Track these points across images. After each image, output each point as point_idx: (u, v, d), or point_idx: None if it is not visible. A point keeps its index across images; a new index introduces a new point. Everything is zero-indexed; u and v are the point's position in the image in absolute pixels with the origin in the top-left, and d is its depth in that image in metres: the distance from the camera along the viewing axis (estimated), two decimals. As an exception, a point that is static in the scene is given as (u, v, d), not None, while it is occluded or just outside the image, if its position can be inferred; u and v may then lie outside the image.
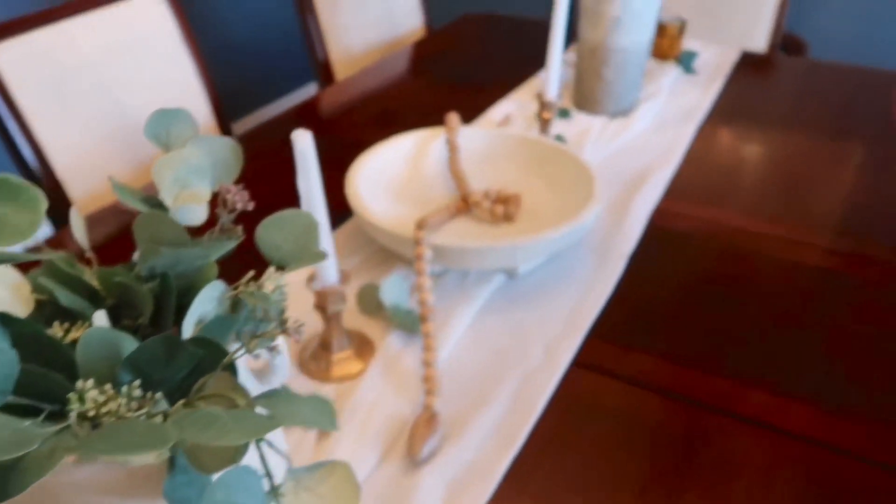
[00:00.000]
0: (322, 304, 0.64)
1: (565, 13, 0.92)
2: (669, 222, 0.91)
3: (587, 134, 1.11)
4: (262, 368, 0.48)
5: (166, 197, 0.49)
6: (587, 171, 0.83)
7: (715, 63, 1.42)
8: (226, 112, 1.31)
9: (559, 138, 1.02)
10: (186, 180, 0.50)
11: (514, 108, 1.20)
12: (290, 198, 0.57)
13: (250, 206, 0.48)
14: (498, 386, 0.65)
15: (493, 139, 0.93)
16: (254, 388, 0.47)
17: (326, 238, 0.60)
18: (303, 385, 0.66)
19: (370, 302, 0.72)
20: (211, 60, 1.34)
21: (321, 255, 0.45)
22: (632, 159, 1.05)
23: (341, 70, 1.54)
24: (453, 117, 0.92)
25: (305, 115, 1.22)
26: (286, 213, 0.46)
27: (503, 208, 0.81)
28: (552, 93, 0.99)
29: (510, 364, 0.68)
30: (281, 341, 0.49)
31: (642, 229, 0.88)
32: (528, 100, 1.22)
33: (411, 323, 0.69)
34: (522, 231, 0.81)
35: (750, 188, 0.99)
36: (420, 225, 0.70)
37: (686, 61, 1.38)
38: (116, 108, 1.10)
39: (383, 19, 1.65)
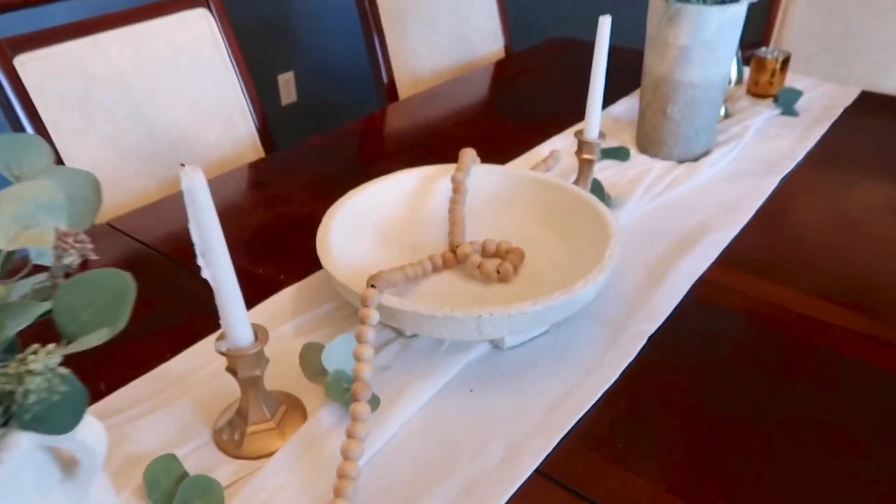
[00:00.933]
0: (232, 367, 0.54)
1: (607, 37, 0.78)
2: (714, 297, 0.74)
3: (641, 180, 0.95)
4: (68, 459, 0.39)
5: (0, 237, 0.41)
6: (607, 226, 0.69)
7: (824, 104, 1.21)
8: (282, 133, 1.26)
9: (596, 185, 0.88)
10: (32, 219, 0.42)
11: (566, 144, 1.06)
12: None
13: (92, 256, 0.40)
14: (436, 490, 0.52)
15: (507, 181, 0.81)
16: (53, 485, 0.38)
17: (231, 294, 0.50)
18: (212, 458, 0.56)
19: (312, 364, 0.62)
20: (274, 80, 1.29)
21: (116, 326, 0.35)
22: (688, 214, 0.89)
23: (405, 94, 1.46)
24: (467, 154, 0.80)
25: (342, 140, 1.15)
26: (94, 275, 0.37)
27: (497, 264, 0.68)
28: (592, 131, 0.85)
29: (459, 463, 0.55)
30: (96, 427, 0.39)
31: (676, 303, 0.72)
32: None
33: (350, 398, 0.58)
34: (514, 295, 0.68)
35: (830, 265, 0.80)
36: (373, 280, 0.59)
37: (786, 100, 1.18)
38: (145, 123, 1.07)
39: (458, 42, 1.56)
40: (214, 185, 1.01)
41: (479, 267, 0.68)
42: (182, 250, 0.82)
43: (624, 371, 0.64)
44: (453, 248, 0.70)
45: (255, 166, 1.05)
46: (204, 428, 0.58)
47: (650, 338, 0.68)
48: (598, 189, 0.86)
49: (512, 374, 0.63)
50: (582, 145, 0.86)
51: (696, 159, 1.01)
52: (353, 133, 1.17)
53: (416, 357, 0.65)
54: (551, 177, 0.79)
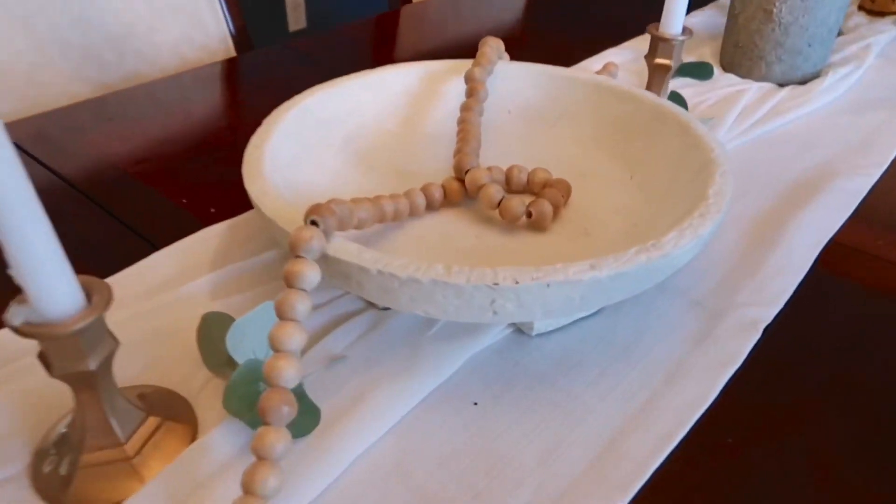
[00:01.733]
0: (44, 355, 0.30)
1: None
2: (854, 269, 0.49)
3: (731, 104, 0.69)
4: None
5: None
6: (706, 150, 0.43)
7: (962, 28, 0.92)
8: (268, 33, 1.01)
9: (675, 98, 0.62)
10: None
11: (624, 57, 0.80)
12: None
13: None
14: None
15: (548, 85, 0.55)
16: None
17: (28, 222, 0.26)
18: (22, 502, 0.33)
19: (215, 348, 0.38)
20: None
21: None
22: (801, 152, 0.63)
23: None
24: (490, 43, 0.54)
25: (335, 45, 0.89)
26: None
27: (528, 203, 0.43)
28: (673, 24, 0.59)
29: (445, 540, 0.31)
30: None
31: (800, 278, 0.47)
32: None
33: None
34: (554, 252, 0.43)
35: None
36: (314, 213, 0.34)
37: (915, 19, 0.90)
38: (74, 8, 0.82)
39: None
40: (150, 88, 0.77)
41: (499, 204, 0.43)
42: (98, 181, 0.58)
43: (727, 384, 0.39)
44: (460, 175, 0.45)
45: (211, 68, 0.80)
46: (20, 449, 0.34)
47: (766, 330, 0.43)
48: (678, 104, 0.60)
49: (542, 380, 0.39)
50: (657, 44, 0.60)
51: (803, 82, 0.74)
52: (351, 37, 0.91)
53: (388, 343, 0.40)
54: (615, 81, 0.53)
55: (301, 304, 0.32)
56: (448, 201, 0.45)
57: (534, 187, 0.47)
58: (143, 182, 0.57)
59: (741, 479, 0.34)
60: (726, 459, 0.35)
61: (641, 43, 0.83)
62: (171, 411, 0.36)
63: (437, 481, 0.33)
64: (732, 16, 0.75)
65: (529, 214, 0.43)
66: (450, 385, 0.38)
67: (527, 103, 0.55)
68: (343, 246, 0.34)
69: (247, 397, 0.34)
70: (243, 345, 0.36)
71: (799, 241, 0.50)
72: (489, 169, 0.46)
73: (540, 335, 0.42)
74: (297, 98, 0.49)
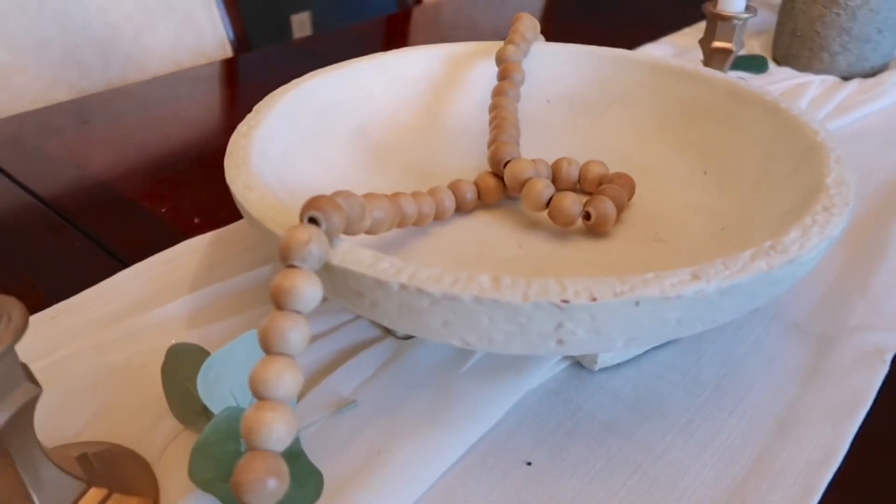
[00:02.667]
0: (-73, 406, 0.21)
1: None
2: None
3: (792, 100, 0.60)
4: None
5: None
6: (804, 133, 0.34)
7: None
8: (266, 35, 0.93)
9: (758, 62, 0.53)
10: None
11: (664, 52, 0.71)
12: None
13: None
14: None
15: (597, 66, 0.46)
16: None
17: None
18: None
19: (182, 390, 0.28)
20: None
21: None
22: (885, 151, 0.54)
23: None
24: (525, 20, 0.46)
25: (341, 44, 0.81)
26: None
27: (585, 202, 0.34)
28: (736, 2, 0.51)
29: None
30: None
31: (923, 293, 0.38)
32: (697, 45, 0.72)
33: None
34: (623, 262, 0.34)
35: None
36: (312, 207, 0.25)
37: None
38: (55, 6, 0.74)
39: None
40: (133, 90, 0.69)
41: (548, 204, 0.34)
42: (66, 190, 0.50)
43: (858, 433, 0.30)
44: (497, 170, 0.36)
45: (204, 69, 0.72)
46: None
47: (894, 360, 0.33)
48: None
49: (613, 430, 0.30)
50: (715, 25, 0.52)
51: (870, 74, 0.65)
52: (358, 36, 0.83)
53: (410, 383, 0.31)
54: (680, 60, 0.44)
55: (295, 333, 0.23)
56: (482, 201, 0.37)
57: (588, 184, 0.38)
58: (117, 190, 0.48)
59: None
60: (878, 541, 0.26)
61: (680, 39, 0.75)
62: (122, 479, 0.26)
63: (483, 577, 0.24)
64: (786, 5, 0.67)
65: (588, 216, 0.34)
66: (493, 439, 0.29)
67: (570, 90, 0.46)
68: (353, 252, 0.25)
69: (223, 461, 0.25)
70: (220, 388, 0.27)
71: (911, 250, 0.41)
72: (534, 161, 0.37)
73: (605, 370, 0.33)
74: (297, 81, 0.40)
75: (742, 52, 0.70)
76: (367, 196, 0.29)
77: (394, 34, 0.86)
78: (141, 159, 0.52)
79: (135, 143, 0.55)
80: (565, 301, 0.23)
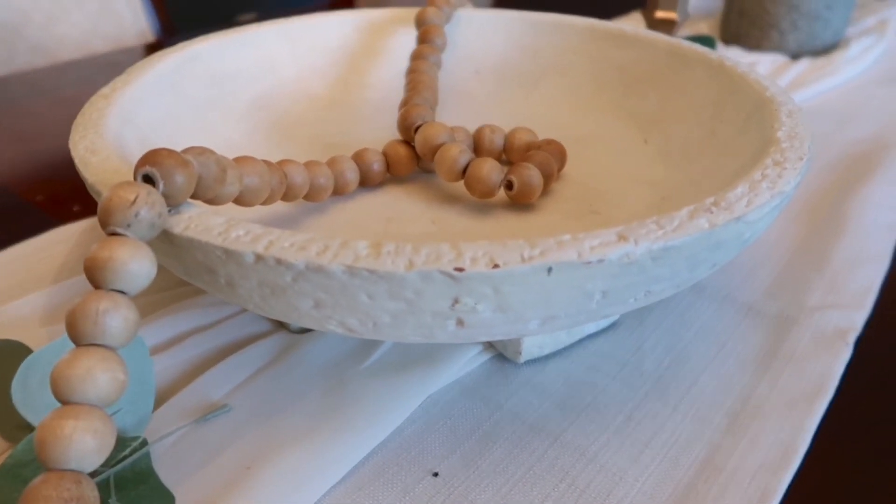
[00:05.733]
0: None
1: None
2: (955, 259, 0.36)
3: (746, 75, 0.57)
4: None
5: None
6: (762, 92, 0.30)
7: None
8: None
9: (705, 42, 0.49)
10: None
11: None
12: None
13: None
14: None
15: (527, 33, 0.42)
16: None
17: None
18: None
19: (3, 402, 0.23)
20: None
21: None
22: (839, 128, 0.51)
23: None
24: (449, -18, 0.41)
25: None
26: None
27: (504, 171, 0.30)
28: (681, -34, 0.47)
29: None
30: None
31: (885, 269, 0.34)
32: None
33: None
34: (552, 235, 0.29)
35: None
36: (147, 161, 0.20)
37: (930, -7, 0.80)
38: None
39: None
40: (30, 76, 0.62)
41: (464, 171, 0.29)
42: None
43: (820, 426, 0.26)
44: (408, 136, 0.31)
45: (117, 55, 0.66)
46: None
47: (857, 343, 0.29)
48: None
49: (539, 432, 0.25)
50: (658, -6, 0.48)
51: (820, 53, 0.63)
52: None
53: (298, 383, 0.26)
54: (614, 23, 0.40)
55: (113, 317, 0.18)
56: (392, 174, 0.32)
57: (514, 154, 0.33)
58: (-11, 176, 0.42)
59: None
60: (848, 554, 0.21)
61: (631, 19, 0.71)
62: (-85, 511, 0.21)
63: None
64: (735, -19, 0.64)
65: (510, 185, 0.29)
66: (394, 446, 0.24)
67: (500, 60, 0.42)
68: (201, 218, 0.20)
69: (17, 483, 0.20)
70: (42, 395, 0.22)
71: (870, 224, 0.37)
72: (453, 128, 0.32)
73: (531, 362, 0.28)
74: (184, 44, 0.35)
75: (689, 34, 0.67)
76: (240, 159, 0.24)
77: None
78: (23, 145, 0.46)
79: (21, 128, 0.49)
80: (459, 269, 0.18)
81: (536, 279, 0.19)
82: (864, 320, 0.30)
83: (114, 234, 0.19)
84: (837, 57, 0.61)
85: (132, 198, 0.19)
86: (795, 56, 0.63)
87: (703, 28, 0.70)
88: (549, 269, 0.19)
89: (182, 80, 0.34)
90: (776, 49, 0.63)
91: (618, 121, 0.37)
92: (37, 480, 0.16)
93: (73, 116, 0.51)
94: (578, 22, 0.40)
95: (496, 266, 0.18)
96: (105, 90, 0.30)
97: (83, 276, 0.32)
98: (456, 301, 0.19)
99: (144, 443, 0.22)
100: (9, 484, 0.20)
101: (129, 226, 0.19)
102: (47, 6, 0.74)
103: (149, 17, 0.85)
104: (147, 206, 0.19)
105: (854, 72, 0.60)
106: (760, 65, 0.60)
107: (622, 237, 0.19)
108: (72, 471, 0.16)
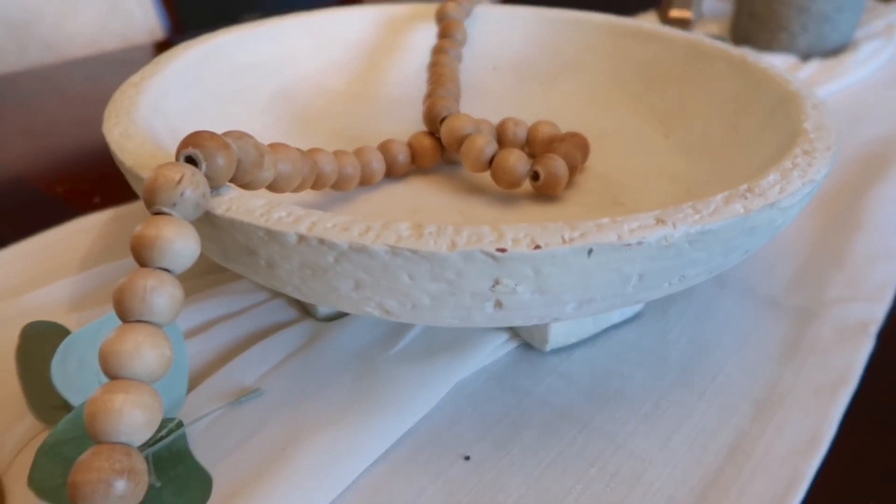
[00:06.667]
0: None
1: None
2: (971, 255, 0.36)
3: (757, 75, 0.57)
4: None
5: None
6: (785, 86, 0.30)
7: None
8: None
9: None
10: None
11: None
12: None
13: None
14: None
15: (546, 30, 0.42)
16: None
17: None
18: None
19: (38, 379, 0.23)
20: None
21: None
22: (852, 127, 0.51)
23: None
24: (468, -22, 0.42)
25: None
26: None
27: (530, 162, 0.30)
28: (696, -34, 0.47)
29: None
30: None
31: (903, 264, 0.34)
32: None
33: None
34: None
35: None
36: (191, 143, 0.20)
37: (937, -3, 0.80)
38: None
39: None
40: (43, 72, 0.62)
41: (490, 162, 0.30)
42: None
43: (846, 415, 0.26)
44: (434, 128, 0.32)
45: (129, 52, 0.67)
46: None
47: (880, 334, 0.30)
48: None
49: (567, 418, 0.25)
50: (673, -7, 0.48)
51: (829, 55, 0.63)
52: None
53: (328, 369, 0.26)
54: (636, 20, 0.40)
55: (161, 296, 0.18)
56: (417, 165, 0.32)
57: (537, 146, 0.34)
58: (8, 169, 0.42)
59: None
60: (878, 538, 0.21)
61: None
62: (-46, 489, 0.21)
63: None
64: (745, -17, 0.64)
65: (536, 176, 0.29)
66: (424, 430, 0.24)
67: (518, 56, 0.42)
68: (242, 199, 0.20)
69: (61, 471, 0.20)
70: (83, 375, 0.22)
71: (888, 221, 0.38)
72: (476, 120, 0.33)
73: (557, 350, 0.28)
74: (208, 35, 0.36)
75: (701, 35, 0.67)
76: (275, 145, 0.24)
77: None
78: (42, 139, 0.47)
79: (37, 123, 0.49)
80: (501, 250, 0.18)
81: (577, 261, 0.19)
82: (885, 313, 0.31)
83: (159, 213, 0.19)
84: (847, 59, 0.62)
85: (178, 178, 0.19)
86: (805, 57, 0.63)
87: (714, 30, 0.70)
88: (590, 251, 0.19)
89: (206, 72, 0.34)
90: (785, 50, 0.63)
91: (637, 116, 0.37)
92: (87, 453, 0.16)
93: (82, 113, 0.51)
94: (596, 19, 0.41)
95: (538, 247, 0.18)
96: (134, 79, 0.30)
97: (108, 265, 0.32)
98: (497, 282, 0.19)
99: (180, 424, 0.22)
100: (50, 461, 0.20)
101: (174, 205, 0.19)
102: (58, 4, 0.75)
103: (159, 15, 0.85)
104: (192, 186, 0.19)
105: (864, 73, 0.60)
106: (773, 62, 0.60)
107: (660, 221, 0.19)
108: (122, 444, 0.17)
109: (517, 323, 0.22)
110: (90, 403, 0.17)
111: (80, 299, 0.30)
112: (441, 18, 0.39)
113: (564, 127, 0.37)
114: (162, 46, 0.71)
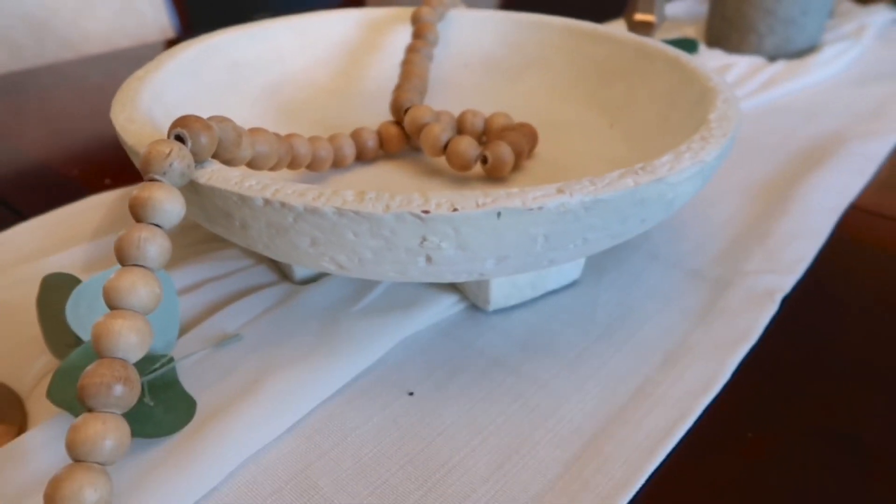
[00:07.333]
0: None
1: None
2: (880, 236, 0.40)
3: (722, 74, 0.61)
4: None
5: None
6: (701, 83, 0.35)
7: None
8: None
9: (686, 45, 0.54)
10: None
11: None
12: None
13: None
14: None
15: (513, 32, 0.46)
16: None
17: None
18: None
19: (55, 321, 0.28)
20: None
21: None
22: (807, 121, 0.55)
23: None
24: (443, -16, 0.46)
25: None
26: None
27: (478, 146, 0.34)
28: (657, -28, 0.52)
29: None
30: None
31: (820, 244, 0.39)
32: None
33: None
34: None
35: None
36: (179, 125, 0.24)
37: (910, 1, 0.84)
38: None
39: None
40: (61, 67, 0.67)
41: (446, 148, 0.34)
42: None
43: (741, 365, 0.30)
44: (399, 117, 0.36)
45: (141, 49, 0.72)
46: None
47: (784, 301, 0.34)
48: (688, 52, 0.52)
49: (500, 364, 0.30)
50: (635, 1, 0.52)
51: (796, 56, 0.67)
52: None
53: (298, 320, 0.31)
54: (590, 23, 0.45)
55: (151, 245, 0.22)
56: (384, 149, 0.37)
57: (492, 135, 0.38)
58: (27, 154, 0.47)
59: (763, 481, 0.25)
60: (743, 457, 0.26)
61: (619, 27, 0.76)
62: (-12, 404, 0.26)
63: (350, 495, 0.24)
64: (718, -13, 0.68)
65: (485, 160, 0.34)
66: (378, 371, 0.29)
67: (487, 55, 0.47)
68: (221, 171, 0.25)
69: (66, 379, 0.24)
70: (92, 316, 0.26)
71: (814, 206, 0.42)
72: (437, 112, 0.37)
73: (499, 311, 0.33)
74: (204, 35, 0.40)
75: (676, 36, 0.71)
76: (253, 129, 0.29)
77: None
78: (59, 128, 0.51)
79: (54, 113, 0.54)
80: (426, 212, 0.23)
81: (488, 222, 0.23)
82: (793, 283, 0.35)
83: (152, 180, 0.23)
84: (811, 60, 0.65)
85: (167, 151, 0.23)
86: (773, 58, 0.67)
87: (689, 32, 0.74)
88: (499, 214, 0.23)
89: (202, 68, 0.39)
90: (755, 52, 0.67)
91: (589, 108, 0.42)
92: (93, 364, 0.21)
93: (96, 104, 0.56)
94: (557, 21, 0.45)
95: (455, 210, 0.23)
96: (139, 73, 0.35)
97: (116, 234, 0.36)
98: (424, 239, 0.24)
99: (171, 360, 0.27)
100: (64, 381, 0.24)
101: (164, 173, 0.23)
102: (74, 3, 0.80)
103: (170, 14, 0.90)
104: (178, 158, 0.24)
105: (825, 74, 0.64)
106: (739, 66, 0.65)
107: (560, 190, 0.24)
108: (120, 359, 0.21)
109: (448, 278, 0.26)
110: (95, 327, 0.21)
111: (92, 262, 0.35)
112: (416, 21, 0.43)
113: (525, 118, 0.42)
114: (171, 44, 0.76)
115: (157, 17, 0.87)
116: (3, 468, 0.23)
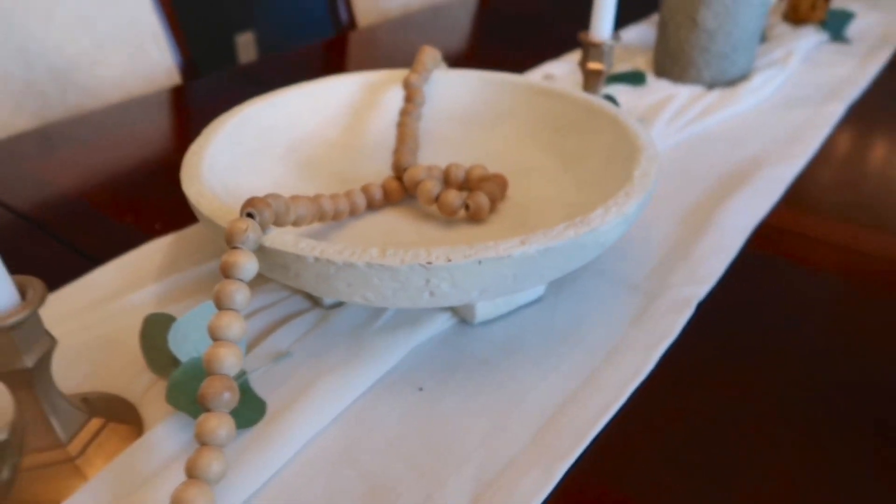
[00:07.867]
0: (-22, 353, 0.30)
1: None
2: (784, 247, 0.51)
3: (663, 107, 0.72)
4: None
5: None
6: (633, 140, 0.45)
7: (881, 32, 0.98)
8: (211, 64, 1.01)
9: (610, 99, 0.64)
10: None
11: (562, 69, 0.82)
12: None
13: None
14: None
15: (485, 90, 0.57)
16: None
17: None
18: (-38, 511, 0.32)
19: (158, 349, 0.38)
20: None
21: None
22: (732, 148, 0.65)
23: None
24: (426, 52, 0.56)
25: (284, 67, 0.90)
26: None
27: (465, 196, 0.44)
28: (602, 30, 0.62)
29: (391, 518, 0.31)
30: None
31: (732, 257, 0.49)
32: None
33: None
34: (495, 240, 0.44)
35: (940, 203, 0.57)
36: (250, 206, 0.34)
37: (835, 24, 0.95)
38: (15, 42, 0.82)
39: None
40: (93, 117, 0.77)
41: (436, 199, 0.44)
42: (39, 205, 0.58)
43: (663, 356, 0.40)
44: (399, 174, 0.46)
45: (158, 95, 0.81)
46: (-41, 458, 0.34)
47: (699, 306, 0.44)
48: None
49: (486, 365, 0.40)
50: (588, 50, 0.63)
51: (731, 84, 0.78)
52: (300, 60, 0.92)
53: (333, 338, 0.41)
54: (549, 83, 0.55)
55: (239, 294, 0.32)
56: (388, 200, 0.47)
57: (472, 184, 0.48)
58: (84, 203, 0.57)
59: (678, 444, 0.35)
60: (664, 428, 0.36)
61: (578, 56, 0.86)
62: (115, 413, 0.35)
63: (383, 464, 0.34)
64: (663, 24, 0.79)
65: (467, 207, 0.44)
66: (395, 373, 0.39)
67: (464, 109, 0.57)
68: (279, 237, 0.35)
69: (190, 393, 0.34)
70: (186, 343, 0.36)
71: (730, 225, 0.52)
72: (429, 167, 0.47)
73: (483, 323, 0.43)
74: (237, 108, 0.50)
75: (627, 68, 0.82)
76: (293, 197, 0.39)
77: (331, 58, 0.96)
78: (103, 176, 0.61)
79: (97, 163, 0.63)
80: (429, 262, 0.33)
81: (473, 267, 0.33)
82: (707, 291, 0.45)
83: (234, 248, 0.33)
84: (742, 88, 0.76)
85: (244, 227, 0.33)
86: (711, 86, 0.78)
87: (640, 62, 0.85)
88: (480, 262, 0.33)
89: (238, 136, 0.48)
90: (694, 82, 0.78)
91: (548, 156, 0.52)
92: (207, 379, 0.31)
93: (132, 152, 0.65)
94: (521, 80, 0.55)
95: (449, 260, 0.33)
96: (194, 148, 0.44)
97: (176, 276, 0.46)
98: (428, 281, 0.34)
99: (244, 372, 0.37)
100: (177, 388, 0.34)
101: (243, 243, 0.33)
102: (92, 53, 0.89)
103: (172, 52, 0.99)
104: (252, 231, 0.33)
105: (754, 101, 0.75)
106: (681, 95, 0.75)
107: (523, 242, 0.34)
108: (225, 375, 0.31)
109: (445, 304, 0.36)
110: (207, 354, 0.31)
111: (162, 299, 0.44)
112: (406, 86, 0.53)
113: (498, 164, 0.52)
114: (177, 91, 0.85)
115: (163, 58, 0.96)
116: (138, 457, 0.33)
